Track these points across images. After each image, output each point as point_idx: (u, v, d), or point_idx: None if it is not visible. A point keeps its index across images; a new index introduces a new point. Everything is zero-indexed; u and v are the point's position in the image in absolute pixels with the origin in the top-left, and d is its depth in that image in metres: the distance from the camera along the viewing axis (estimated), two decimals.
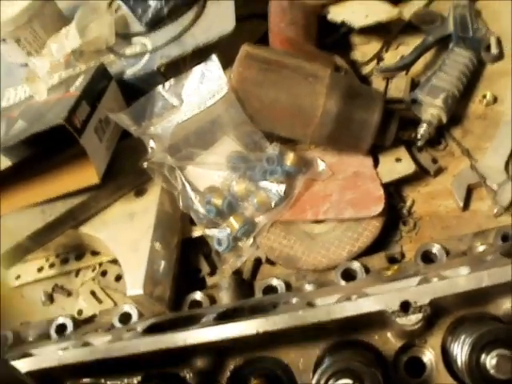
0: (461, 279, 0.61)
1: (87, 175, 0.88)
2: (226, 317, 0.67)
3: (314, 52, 0.94)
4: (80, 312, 0.93)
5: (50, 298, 0.98)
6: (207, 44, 0.95)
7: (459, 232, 0.83)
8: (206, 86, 0.86)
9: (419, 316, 0.61)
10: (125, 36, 1.03)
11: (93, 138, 0.87)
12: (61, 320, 0.87)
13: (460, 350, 0.59)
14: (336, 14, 1.00)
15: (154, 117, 0.88)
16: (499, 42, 0.99)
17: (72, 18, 1.03)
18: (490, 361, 0.55)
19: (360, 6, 1.00)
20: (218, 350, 0.62)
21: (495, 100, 0.94)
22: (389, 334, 0.64)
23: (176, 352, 0.61)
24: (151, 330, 0.70)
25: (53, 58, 0.96)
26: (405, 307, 0.61)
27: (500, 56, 0.98)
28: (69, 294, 0.97)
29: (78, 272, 0.98)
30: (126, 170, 0.92)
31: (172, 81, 0.89)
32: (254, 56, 0.86)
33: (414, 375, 0.64)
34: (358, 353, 0.62)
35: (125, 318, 0.84)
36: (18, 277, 0.99)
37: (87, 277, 0.96)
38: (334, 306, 0.61)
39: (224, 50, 0.94)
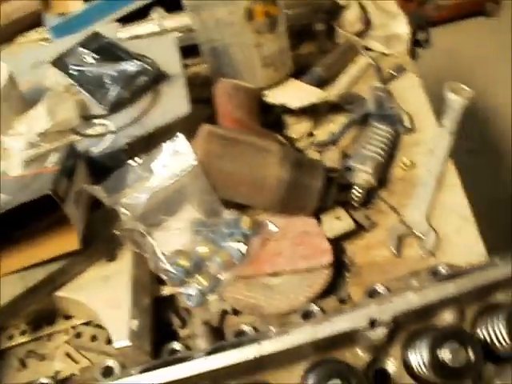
0: (413, 297, 0.76)
1: (68, 241, 0.96)
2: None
3: (261, 130, 1.09)
4: (57, 373, 0.99)
5: (23, 364, 1.03)
6: (166, 124, 1.08)
7: (396, 275, 0.97)
8: (175, 161, 0.98)
9: (385, 331, 0.74)
10: (86, 118, 1.13)
11: (73, 208, 0.96)
12: (44, 381, 0.93)
13: (420, 355, 0.73)
14: (274, 97, 1.17)
15: (125, 188, 0.99)
16: (410, 117, 1.18)
17: (32, 102, 1.13)
18: (445, 355, 0.70)
19: (294, 91, 1.17)
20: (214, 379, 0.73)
21: (413, 165, 1.13)
22: (358, 350, 0.76)
23: None
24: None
25: (25, 138, 1.05)
26: (372, 324, 0.74)
27: (412, 128, 1.17)
28: (42, 358, 1.03)
29: (50, 336, 1.04)
30: (99, 238, 1.01)
31: (143, 157, 1.01)
32: (215, 133, 1.00)
33: None
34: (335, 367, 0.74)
35: (107, 371, 0.92)
36: None
37: (61, 340, 1.02)
38: (314, 328, 0.73)
39: (175, 131, 1.06)
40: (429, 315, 0.79)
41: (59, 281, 0.99)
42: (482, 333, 0.76)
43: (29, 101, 1.16)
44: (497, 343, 0.74)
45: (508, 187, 2.42)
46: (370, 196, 1.09)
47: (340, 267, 1.01)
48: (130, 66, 1.14)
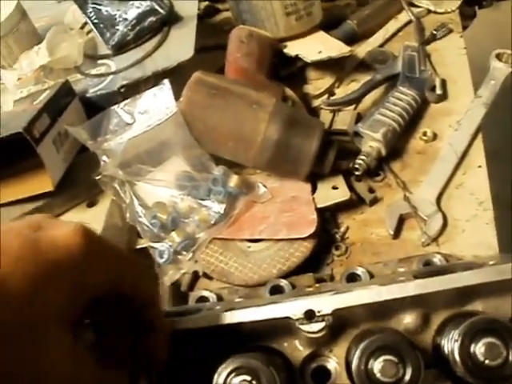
0: (363, 292, 0.65)
1: (42, 183, 0.93)
2: None
3: (264, 82, 0.99)
4: None
5: None
6: (166, 69, 1.01)
7: (388, 258, 0.87)
8: (156, 108, 0.92)
9: (322, 325, 0.64)
10: (92, 57, 1.09)
11: (50, 149, 0.93)
12: None
13: (362, 359, 0.63)
14: (291, 48, 1.07)
15: (108, 133, 0.93)
16: (444, 84, 1.04)
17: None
18: (376, 365, 0.59)
19: (314, 43, 1.06)
20: None
21: (435, 137, 0.99)
22: (297, 342, 0.68)
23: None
24: None
25: (22, 72, 1.01)
26: (309, 315, 0.65)
27: (443, 97, 1.04)
28: None
29: None
30: (81, 182, 0.97)
31: (127, 100, 0.95)
32: (204, 82, 0.91)
33: (319, 383, 0.68)
34: (268, 357, 0.65)
35: None
36: None
37: None
38: (245, 312, 0.65)
39: (185, 76, 0.99)
40: (386, 315, 0.68)
41: None
42: (445, 345, 0.64)
43: (42, 37, 1.13)
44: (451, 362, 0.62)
45: None
46: (379, 167, 0.97)
47: (328, 243, 0.91)
48: (139, 6, 1.08)
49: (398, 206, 0.92)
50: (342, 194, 0.92)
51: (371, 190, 0.95)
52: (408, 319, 0.67)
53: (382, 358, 0.60)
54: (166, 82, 0.93)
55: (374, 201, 0.94)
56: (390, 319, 0.68)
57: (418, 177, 0.96)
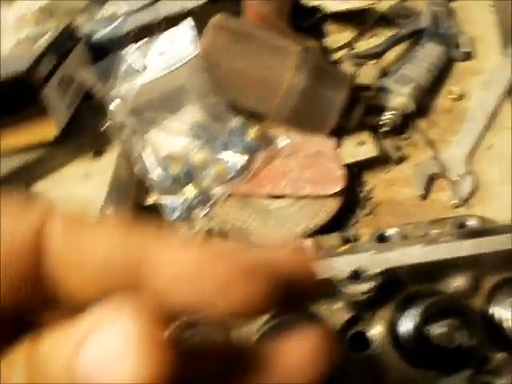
0: (415, 250, 0.60)
1: (45, 131, 0.85)
2: None
3: (285, 30, 0.93)
4: None
5: None
6: (179, 13, 0.94)
7: (416, 220, 0.82)
8: (174, 51, 0.85)
9: (369, 285, 0.59)
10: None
11: (54, 93, 0.85)
12: None
13: (409, 323, 0.58)
14: None
15: (118, 78, 0.87)
16: (471, 42, 0.99)
17: None
18: (436, 330, 0.54)
19: None
20: None
21: (462, 96, 0.94)
22: (336, 306, 0.62)
23: None
24: None
25: (21, 12, 0.94)
26: (356, 275, 0.59)
27: (470, 55, 0.98)
28: None
29: None
30: (86, 130, 0.90)
31: (141, 43, 0.88)
32: (226, 25, 0.85)
33: (358, 349, 0.62)
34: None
35: None
36: None
37: None
38: None
39: (199, 23, 0.93)
40: (434, 276, 0.63)
41: (37, 171, 0.89)
42: (495, 312, 0.59)
43: None
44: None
45: None
46: (405, 125, 0.92)
47: (353, 202, 0.86)
48: None
49: (426, 165, 0.87)
50: (369, 150, 0.86)
51: (398, 148, 0.89)
52: (458, 282, 0.62)
53: (443, 322, 0.54)
54: (187, 21, 0.86)
55: (401, 159, 0.89)
56: (438, 282, 0.63)
57: (446, 136, 0.91)
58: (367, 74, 0.95)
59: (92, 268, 0.25)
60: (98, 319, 0.23)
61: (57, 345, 0.23)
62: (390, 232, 0.78)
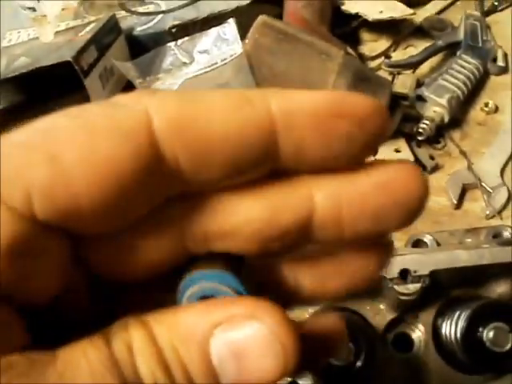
0: (462, 254, 0.61)
1: None
2: None
3: (327, 35, 0.94)
4: None
5: None
6: (222, 12, 0.94)
7: (449, 228, 0.83)
8: (219, 48, 0.85)
9: (417, 286, 0.60)
10: None
11: (96, 84, 0.86)
12: None
13: (454, 326, 0.58)
14: (351, 5, 1.01)
15: (161, 72, 0.87)
16: (505, 57, 1.01)
17: None
18: (486, 334, 0.55)
19: (374, 2, 1.01)
20: None
21: (496, 109, 0.95)
22: (381, 306, 0.63)
23: None
24: None
25: (61, 5, 0.94)
26: (404, 275, 0.60)
27: (505, 69, 1.00)
28: None
29: None
30: None
31: (185, 39, 0.88)
32: (271, 26, 0.85)
33: (401, 350, 0.63)
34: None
35: None
36: None
37: None
38: None
39: (240, 24, 0.93)
40: (479, 281, 0.63)
41: None
42: None
43: None
44: None
45: None
46: (439, 135, 0.93)
47: None
48: None
49: (461, 175, 0.88)
50: (405, 157, 0.87)
51: (432, 157, 0.90)
52: (503, 288, 0.63)
53: (492, 325, 0.55)
54: (232, 20, 0.87)
55: (435, 168, 0.89)
56: (482, 286, 0.63)
57: (479, 148, 0.92)
58: (403, 83, 0.96)
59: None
60: (237, 308, 0.23)
61: (193, 323, 0.23)
62: (425, 239, 0.79)
